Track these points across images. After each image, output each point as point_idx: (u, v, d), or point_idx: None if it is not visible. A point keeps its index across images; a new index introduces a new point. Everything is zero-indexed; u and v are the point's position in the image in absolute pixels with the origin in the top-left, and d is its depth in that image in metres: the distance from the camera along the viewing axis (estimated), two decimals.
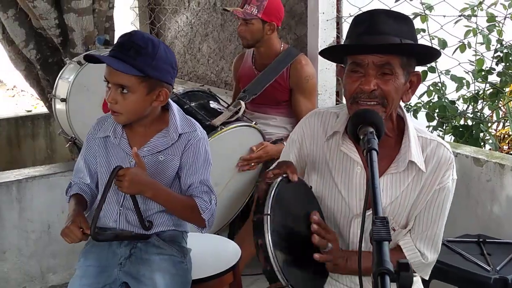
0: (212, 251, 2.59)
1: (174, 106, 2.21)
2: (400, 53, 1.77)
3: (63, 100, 3.62)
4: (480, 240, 2.68)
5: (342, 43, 2.37)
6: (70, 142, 3.80)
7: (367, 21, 1.80)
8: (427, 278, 2.04)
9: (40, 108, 8.04)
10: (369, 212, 1.63)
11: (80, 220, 2.03)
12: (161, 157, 2.15)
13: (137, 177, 2.01)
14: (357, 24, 1.84)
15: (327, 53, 1.93)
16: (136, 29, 1.99)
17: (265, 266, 1.65)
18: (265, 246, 1.63)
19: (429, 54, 1.90)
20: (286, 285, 1.66)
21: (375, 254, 1.22)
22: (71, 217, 2.06)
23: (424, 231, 1.94)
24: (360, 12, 3.32)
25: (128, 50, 2.00)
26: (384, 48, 1.75)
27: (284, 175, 1.79)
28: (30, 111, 8.00)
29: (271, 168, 1.89)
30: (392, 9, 3.45)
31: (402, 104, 1.93)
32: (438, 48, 3.48)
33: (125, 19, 6.04)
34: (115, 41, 2.12)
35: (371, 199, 1.40)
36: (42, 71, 4.57)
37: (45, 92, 4.68)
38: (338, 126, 1.95)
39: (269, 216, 1.65)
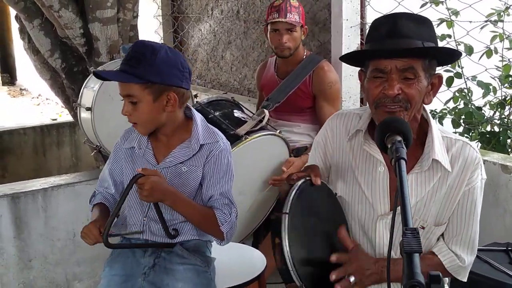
0: (237, 260, 2.58)
1: (198, 116, 2.21)
2: (422, 56, 1.77)
3: (88, 109, 3.64)
4: (509, 248, 2.63)
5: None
6: (95, 151, 3.82)
7: (388, 24, 1.79)
8: (465, 280, 2.01)
9: (65, 116, 8.12)
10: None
11: (99, 224, 2.06)
12: (184, 168, 2.15)
13: (157, 185, 2.01)
14: (377, 27, 1.83)
15: (349, 58, 1.92)
16: (141, 39, 2.01)
17: (281, 265, 1.64)
18: (281, 245, 1.62)
19: (450, 55, 1.90)
20: (300, 286, 1.64)
21: (406, 266, 1.20)
22: (91, 220, 2.10)
23: (458, 234, 1.93)
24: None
25: (130, 60, 2.02)
26: (407, 52, 1.74)
27: (307, 178, 1.79)
28: (55, 119, 8.07)
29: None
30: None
31: (427, 108, 1.92)
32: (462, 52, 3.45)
33: (149, 27, 6.08)
34: None
35: (400, 209, 1.38)
36: (67, 80, 4.60)
37: (70, 100, 4.71)
38: (360, 125, 1.96)
39: (287, 215, 1.64)
